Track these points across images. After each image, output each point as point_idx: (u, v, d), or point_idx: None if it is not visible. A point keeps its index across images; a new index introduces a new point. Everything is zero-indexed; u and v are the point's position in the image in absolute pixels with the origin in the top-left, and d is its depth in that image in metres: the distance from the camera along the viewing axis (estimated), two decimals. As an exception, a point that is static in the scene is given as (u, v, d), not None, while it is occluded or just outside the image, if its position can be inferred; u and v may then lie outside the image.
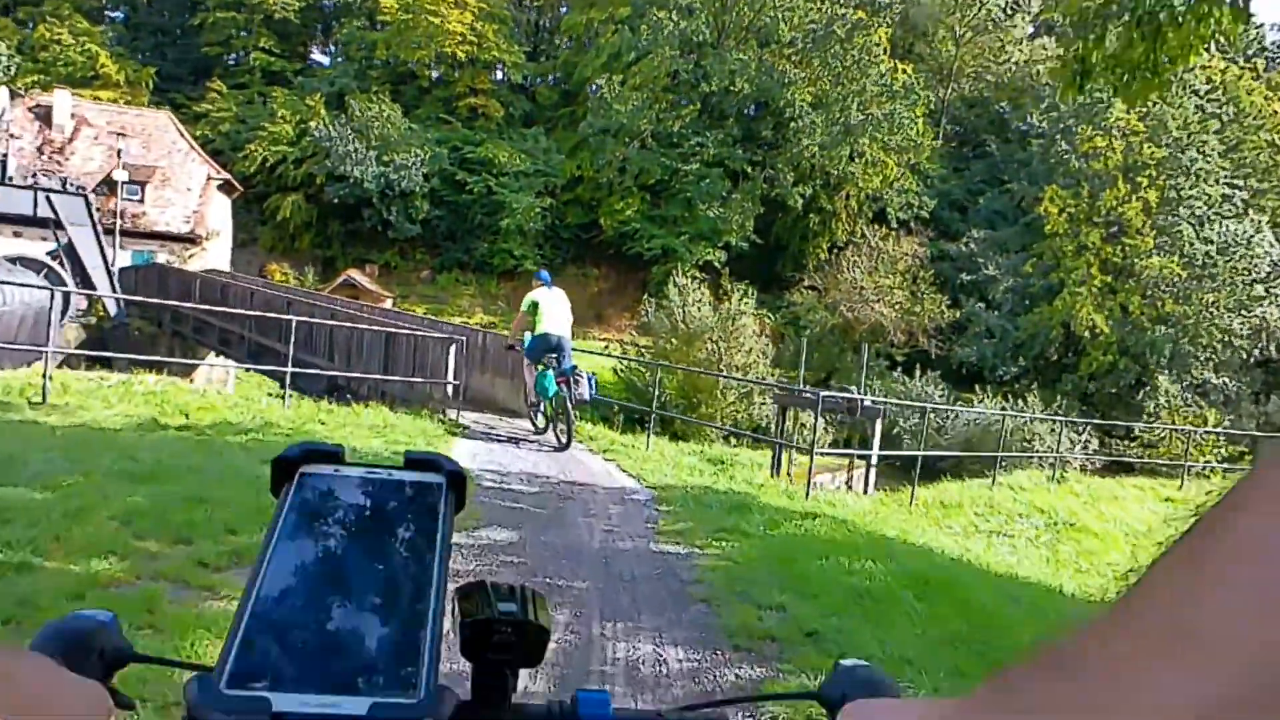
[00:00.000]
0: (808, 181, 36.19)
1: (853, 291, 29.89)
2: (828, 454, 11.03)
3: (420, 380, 10.99)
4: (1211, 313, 28.14)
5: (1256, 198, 34.01)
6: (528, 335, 8.71)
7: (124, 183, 25.85)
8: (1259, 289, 29.05)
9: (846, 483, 11.59)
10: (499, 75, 42.23)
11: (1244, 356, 29.43)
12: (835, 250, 35.32)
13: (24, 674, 0.40)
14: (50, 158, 29.12)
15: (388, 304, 36.91)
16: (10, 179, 18.32)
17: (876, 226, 32.60)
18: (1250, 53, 44.67)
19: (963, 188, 38.85)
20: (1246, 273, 28.87)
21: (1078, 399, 29.63)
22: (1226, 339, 28.34)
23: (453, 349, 10.59)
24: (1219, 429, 23.14)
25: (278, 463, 0.54)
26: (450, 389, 10.63)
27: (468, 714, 0.51)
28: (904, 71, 36.98)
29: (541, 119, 40.62)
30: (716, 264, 34.90)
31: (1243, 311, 28.37)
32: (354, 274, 36.11)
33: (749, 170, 36.69)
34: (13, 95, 29.29)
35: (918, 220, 35.74)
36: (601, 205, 37.37)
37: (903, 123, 34.96)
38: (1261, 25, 48.72)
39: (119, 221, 25.13)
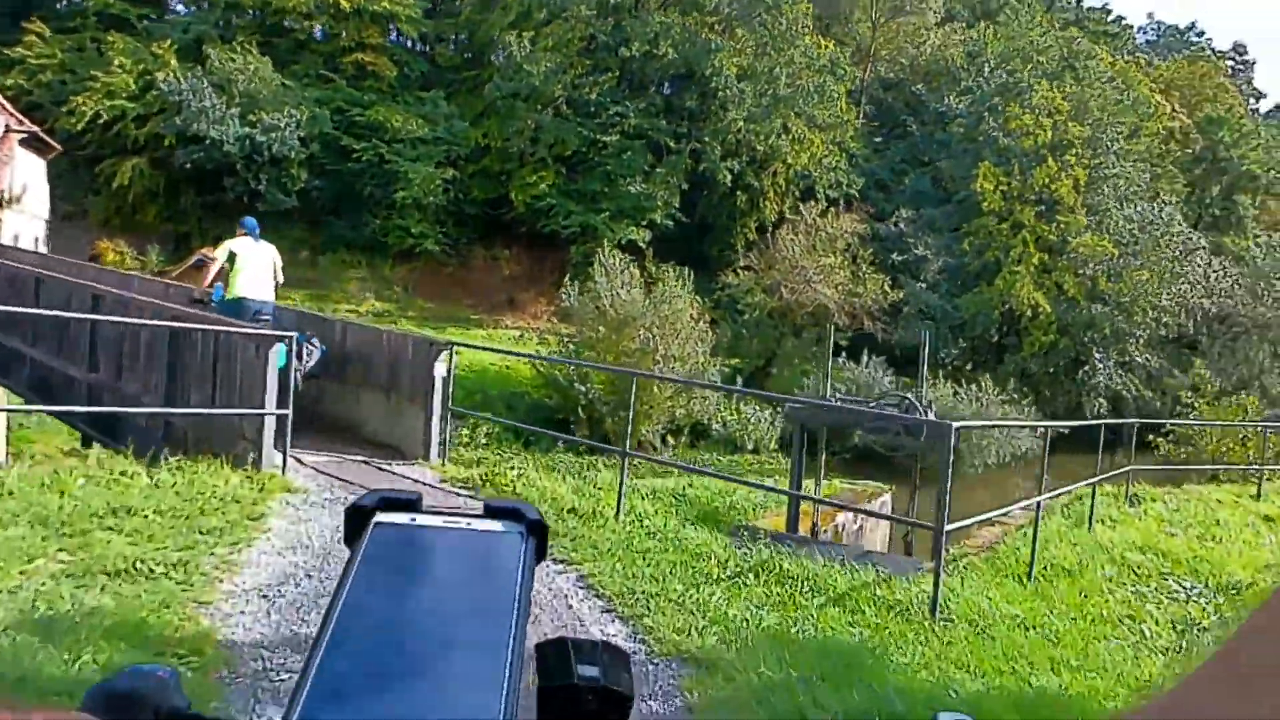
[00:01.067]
0: (735, 157, 32.39)
1: (793, 272, 26.28)
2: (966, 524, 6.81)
3: (222, 411, 5.88)
4: (1147, 289, 26.53)
5: (1155, 182, 33.36)
6: (218, 288, 7.26)
7: None
8: (1176, 266, 27.87)
9: (906, 540, 7.74)
10: (394, 34, 35.83)
11: (1166, 333, 28.21)
12: (764, 231, 31.79)
13: None
14: None
15: (260, 288, 30.21)
16: None
17: (814, 203, 29.21)
18: (1128, 50, 44.92)
19: (886, 168, 36.23)
20: (1166, 250, 27.57)
21: (1018, 380, 27.41)
22: (1158, 316, 26.84)
23: (273, 354, 5.60)
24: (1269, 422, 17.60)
25: (351, 511, 0.50)
26: (272, 422, 5.62)
27: None
28: (827, 46, 33.81)
29: (441, 83, 34.67)
30: (640, 244, 30.61)
31: (1168, 288, 27.06)
32: (209, 253, 28.91)
33: (672, 144, 32.45)
34: None
35: (847, 199, 32.69)
36: (512, 179, 32.10)
37: (833, 95, 31.72)
38: (1130, 25, 49.58)
39: None
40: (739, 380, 24.48)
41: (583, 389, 22.37)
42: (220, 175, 31.14)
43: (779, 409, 24.27)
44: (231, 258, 7.13)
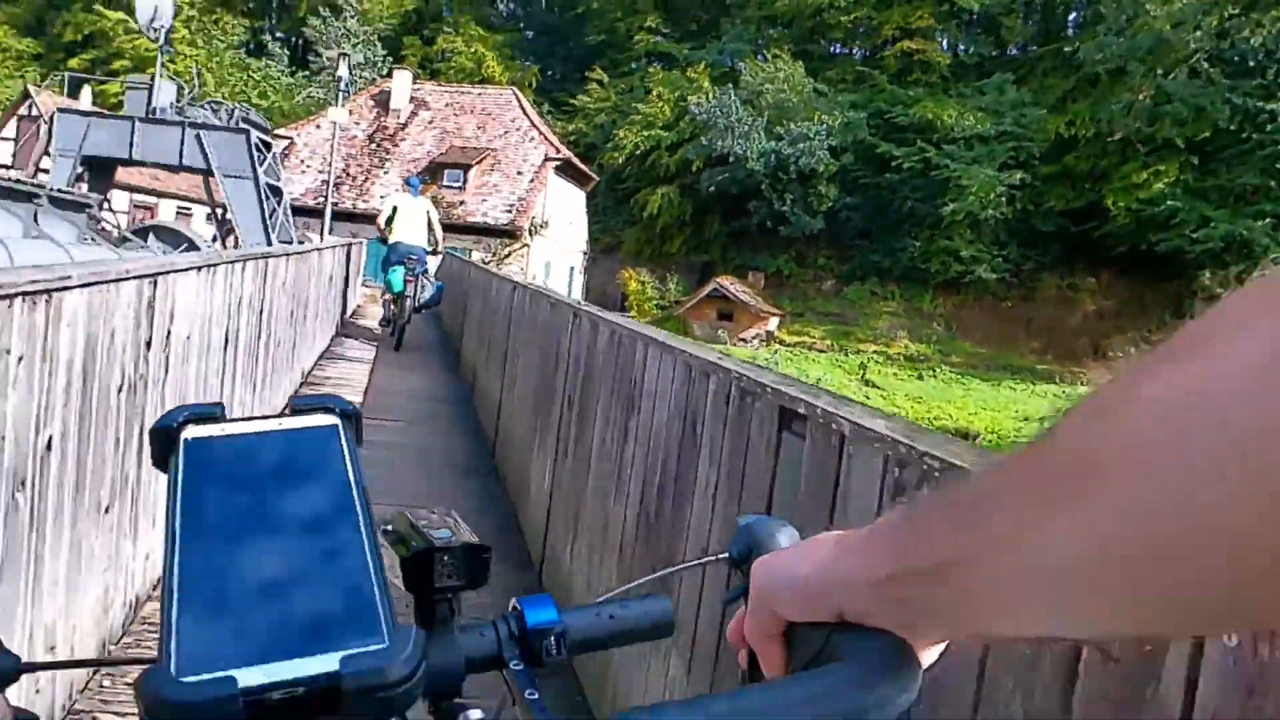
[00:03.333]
0: None
1: None
2: None
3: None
4: None
5: None
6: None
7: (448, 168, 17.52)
8: None
9: None
10: (944, 10, 27.51)
11: None
12: None
13: None
14: (379, 145, 22.77)
15: (771, 324, 25.20)
16: (161, 110, 10.10)
17: None
18: None
19: None
20: None
21: None
22: None
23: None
24: None
25: (156, 433, 0.47)
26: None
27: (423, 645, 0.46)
28: None
29: (1007, 65, 25.37)
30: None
31: None
32: (726, 283, 24.93)
33: None
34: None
35: None
36: (1108, 179, 21.52)
37: None
38: None
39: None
40: None
41: None
42: (745, 199, 27.27)
43: None
44: (394, 214, 7.65)
